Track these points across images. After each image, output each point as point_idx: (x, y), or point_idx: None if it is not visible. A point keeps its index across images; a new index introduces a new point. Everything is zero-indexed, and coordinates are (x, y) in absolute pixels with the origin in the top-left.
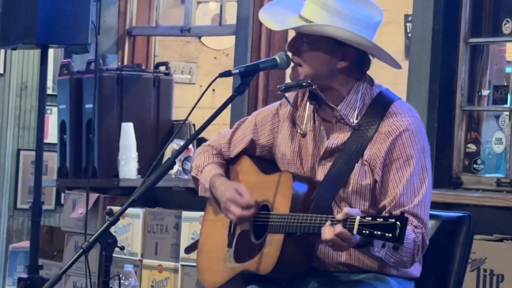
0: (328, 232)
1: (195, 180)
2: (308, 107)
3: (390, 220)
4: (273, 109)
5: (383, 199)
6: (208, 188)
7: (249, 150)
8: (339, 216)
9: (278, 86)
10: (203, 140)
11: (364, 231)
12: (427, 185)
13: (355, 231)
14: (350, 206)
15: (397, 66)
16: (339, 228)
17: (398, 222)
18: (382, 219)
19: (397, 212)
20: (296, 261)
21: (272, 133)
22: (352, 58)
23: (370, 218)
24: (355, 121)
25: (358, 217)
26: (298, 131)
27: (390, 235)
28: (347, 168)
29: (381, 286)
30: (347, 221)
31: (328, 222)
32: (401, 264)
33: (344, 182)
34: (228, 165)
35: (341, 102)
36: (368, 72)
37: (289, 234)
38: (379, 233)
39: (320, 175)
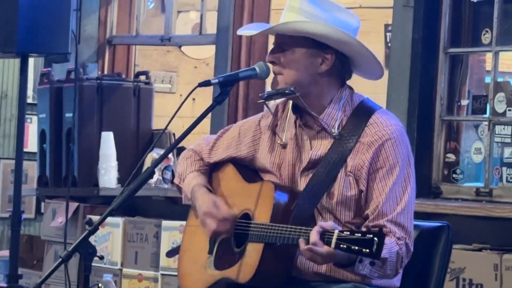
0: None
1: (179, 188)
2: (289, 117)
3: (367, 235)
4: (255, 120)
5: (367, 208)
6: (190, 197)
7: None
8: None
9: (260, 95)
10: (183, 149)
11: (342, 245)
12: (409, 193)
13: (333, 245)
14: (334, 217)
15: (379, 70)
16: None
17: (375, 238)
18: (360, 234)
19: (380, 222)
20: (275, 270)
21: (253, 144)
22: (332, 60)
23: (348, 233)
24: (337, 131)
25: (336, 231)
26: (278, 142)
27: (368, 250)
28: (328, 178)
29: None
30: (325, 235)
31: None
32: (385, 277)
33: (325, 192)
34: (211, 172)
35: (323, 112)
36: (348, 82)
37: (269, 244)
38: (356, 248)
39: (302, 185)
